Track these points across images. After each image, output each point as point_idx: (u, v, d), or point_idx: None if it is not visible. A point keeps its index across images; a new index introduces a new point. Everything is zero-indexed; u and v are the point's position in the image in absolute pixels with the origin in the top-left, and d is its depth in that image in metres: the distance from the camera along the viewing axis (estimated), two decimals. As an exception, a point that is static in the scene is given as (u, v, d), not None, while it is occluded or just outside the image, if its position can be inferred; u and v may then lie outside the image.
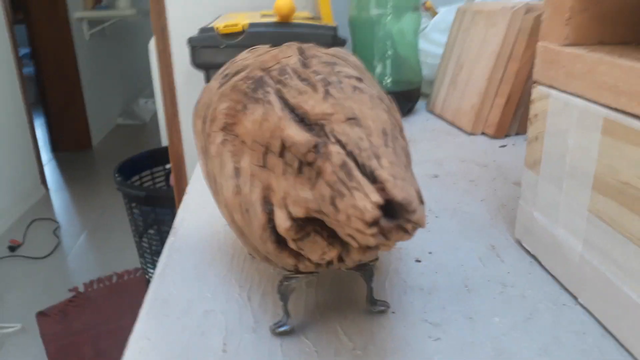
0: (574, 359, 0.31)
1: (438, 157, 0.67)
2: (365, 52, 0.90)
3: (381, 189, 0.21)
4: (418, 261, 0.42)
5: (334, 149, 0.23)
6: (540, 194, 0.40)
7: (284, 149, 0.26)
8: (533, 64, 0.41)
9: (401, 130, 0.30)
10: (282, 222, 0.26)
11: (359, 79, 0.29)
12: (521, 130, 0.76)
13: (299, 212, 0.25)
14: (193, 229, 0.48)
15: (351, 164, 0.22)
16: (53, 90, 3.72)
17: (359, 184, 0.21)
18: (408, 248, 0.44)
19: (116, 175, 1.72)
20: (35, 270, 2.35)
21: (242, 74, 0.33)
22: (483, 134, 0.77)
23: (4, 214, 2.70)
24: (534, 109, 0.41)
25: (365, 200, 0.21)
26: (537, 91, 0.40)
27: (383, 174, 0.21)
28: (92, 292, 2.15)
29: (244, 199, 0.30)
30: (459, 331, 0.34)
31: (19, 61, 3.00)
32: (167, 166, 1.84)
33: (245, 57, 0.36)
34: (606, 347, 0.32)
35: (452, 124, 0.83)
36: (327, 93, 0.27)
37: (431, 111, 0.92)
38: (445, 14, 0.98)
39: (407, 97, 0.90)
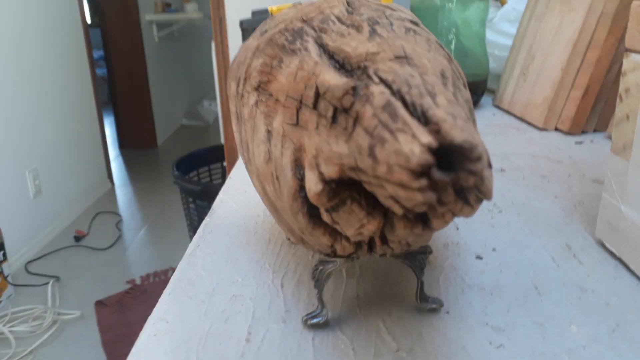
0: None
1: (505, 151, 0.60)
2: (427, 42, 0.84)
3: (436, 130, 0.16)
4: (479, 258, 0.36)
5: (377, 89, 0.18)
6: (631, 184, 0.34)
7: (318, 98, 0.22)
8: (616, 52, 0.35)
9: (465, 84, 0.25)
10: (312, 185, 0.21)
11: (415, 22, 0.25)
12: (600, 127, 0.68)
13: (332, 172, 0.20)
14: (231, 211, 0.45)
15: (397, 103, 0.17)
16: (123, 91, 3.90)
17: (405, 125, 0.17)
18: (468, 243, 0.38)
19: (174, 170, 1.75)
20: (97, 261, 2.44)
21: (280, 26, 0.29)
22: (556, 129, 0.69)
23: (72, 206, 2.84)
24: (624, 82, 0.34)
25: (413, 143, 0.16)
26: (630, 61, 0.34)
27: (439, 112, 0.17)
28: (148, 285, 2.20)
29: (274, 164, 0.26)
30: (526, 339, 0.28)
31: (93, 63, 3.16)
32: (225, 163, 1.85)
33: (287, 12, 0.32)
34: None
35: (521, 119, 0.76)
36: (373, 32, 0.22)
37: (498, 106, 0.85)
38: (515, 3, 0.91)
39: (472, 89, 0.83)
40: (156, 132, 4.09)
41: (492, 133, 0.69)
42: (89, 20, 3.37)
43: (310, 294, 0.32)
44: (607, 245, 0.37)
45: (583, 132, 0.68)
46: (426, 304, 0.30)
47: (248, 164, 0.31)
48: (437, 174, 0.16)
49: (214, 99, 3.89)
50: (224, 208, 0.46)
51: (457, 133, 0.16)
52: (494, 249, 0.37)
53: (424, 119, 0.17)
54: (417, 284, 0.31)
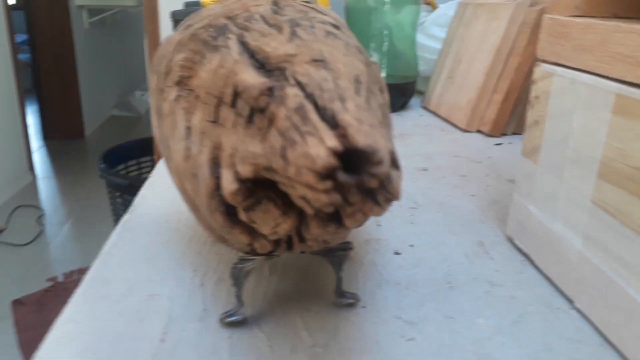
0: (568, 370, 0.26)
1: (429, 152, 0.63)
2: (361, 41, 0.86)
3: (342, 135, 0.17)
4: (397, 253, 0.38)
5: (291, 91, 0.19)
6: (538, 185, 0.36)
7: (236, 96, 0.22)
8: (535, 59, 0.37)
9: (382, 89, 0.25)
10: (228, 184, 0.21)
11: (336, 26, 0.25)
12: (519, 130, 0.72)
13: (246, 171, 0.20)
14: (153, 208, 0.44)
15: (309, 107, 0.18)
16: (48, 78, 3.66)
17: (314, 128, 0.17)
18: (388, 239, 0.40)
19: (101, 162, 1.67)
20: (16, 257, 2.28)
21: (205, 22, 0.28)
22: (478, 131, 0.73)
23: (-12, 199, 2.64)
24: (535, 89, 0.37)
25: (319, 147, 0.16)
26: (540, 70, 0.36)
27: (346, 117, 0.17)
28: (71, 283, 2.09)
29: (193, 162, 0.26)
30: (436, 331, 0.29)
31: (14, 46, 2.94)
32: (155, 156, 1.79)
33: (213, 7, 0.31)
34: (605, 357, 0.27)
35: (446, 120, 0.79)
36: (293, 34, 0.22)
37: (425, 107, 0.88)
38: (446, 9, 0.94)
39: (402, 91, 0.86)
40: (84, 122, 3.87)
41: (418, 133, 0.71)
42: (12, 1, 3.14)
43: (230, 292, 0.32)
44: (516, 242, 0.39)
45: (503, 134, 0.72)
46: (343, 300, 0.31)
47: (168, 160, 0.30)
48: (342, 177, 0.17)
49: (147, 89, 3.75)
50: (146, 205, 0.44)
51: (361, 138, 0.16)
52: (411, 245, 0.39)
53: (333, 123, 0.17)
54: (336, 280, 0.31)
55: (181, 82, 0.28)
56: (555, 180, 0.34)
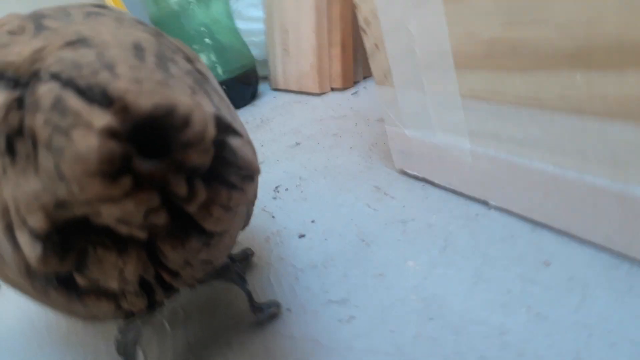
0: (517, 273, 0.24)
1: (295, 126, 0.59)
2: (182, 50, 0.80)
3: (122, 108, 0.12)
4: (302, 236, 0.34)
5: (44, 88, 0.13)
6: (404, 107, 0.34)
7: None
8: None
9: (191, 59, 0.21)
10: (30, 251, 0.15)
11: (100, 6, 0.20)
12: (367, 73, 0.72)
13: (40, 222, 0.14)
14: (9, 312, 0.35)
15: (67, 94, 0.12)
16: None
17: (77, 117, 0.12)
18: (287, 226, 0.35)
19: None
20: None
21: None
22: (332, 89, 0.71)
23: None
24: (361, 14, 0.34)
25: (87, 136, 0.11)
26: (356, -7, 0.34)
27: (119, 84, 0.12)
28: None
29: None
30: (372, 298, 0.26)
31: None
32: None
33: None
34: (542, 240, 0.26)
35: (299, 92, 0.77)
36: (39, 28, 0.17)
37: (276, 88, 0.84)
38: (253, -12, 0.91)
39: (245, 81, 0.82)
40: None
41: (278, 114, 0.68)
42: None
43: (131, 368, 0.26)
44: (408, 171, 0.37)
45: (355, 83, 0.71)
46: (262, 314, 0.26)
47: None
48: (141, 165, 0.12)
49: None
50: (-2, 317, 0.36)
51: (144, 99, 0.12)
52: (313, 221, 0.35)
53: (106, 99, 0.12)
54: (246, 298, 0.26)
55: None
56: (418, 93, 0.32)
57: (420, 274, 0.26)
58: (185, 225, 0.16)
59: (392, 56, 0.33)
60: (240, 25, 0.88)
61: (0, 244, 0.18)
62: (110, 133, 0.11)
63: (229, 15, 0.84)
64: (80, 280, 0.17)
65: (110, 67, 0.13)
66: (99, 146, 0.11)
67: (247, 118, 0.71)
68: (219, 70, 0.80)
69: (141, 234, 0.15)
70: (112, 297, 0.19)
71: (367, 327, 0.24)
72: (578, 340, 0.20)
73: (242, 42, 0.84)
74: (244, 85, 0.81)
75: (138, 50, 0.15)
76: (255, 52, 0.90)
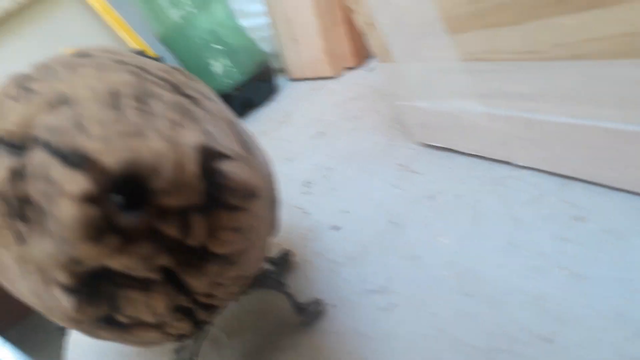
0: (549, 233, 0.24)
1: (315, 116, 0.59)
2: (195, 59, 0.81)
3: (96, 168, 0.13)
4: (336, 228, 0.34)
5: (36, 157, 0.14)
6: (409, 80, 0.33)
7: (10, 206, 0.17)
8: None
9: (178, 86, 0.21)
10: (67, 305, 0.16)
11: (83, 55, 0.20)
12: (380, 44, 0.70)
13: (66, 279, 0.16)
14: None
15: (52, 162, 0.13)
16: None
17: (59, 187, 0.13)
18: (321, 221, 0.36)
19: None
20: None
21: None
22: (347, 69, 0.70)
23: None
24: (349, -3, 0.34)
25: (68, 204, 0.12)
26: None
27: (90, 144, 0.13)
28: None
29: (40, 298, 0.21)
30: (410, 281, 0.26)
31: None
32: None
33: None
34: (572, 195, 0.25)
35: (316, 78, 0.76)
36: (27, 92, 0.18)
37: (293, 79, 0.84)
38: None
39: (262, 78, 0.82)
40: None
41: (299, 105, 0.68)
42: None
43: (195, 386, 0.27)
44: (429, 142, 0.36)
45: (368, 58, 0.70)
46: (307, 315, 0.27)
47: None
48: (124, 220, 0.12)
49: None
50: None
51: (112, 157, 0.12)
52: (344, 212, 0.35)
53: (83, 161, 0.13)
54: (289, 301, 0.27)
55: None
56: (419, 64, 0.31)
57: (453, 249, 0.26)
58: (200, 253, 0.17)
59: (387, 33, 0.32)
60: (245, 23, 0.89)
61: (45, 298, 0.19)
62: (85, 197, 0.12)
63: (232, 16, 0.84)
64: (120, 318, 0.18)
65: (82, 128, 0.13)
66: (76, 212, 0.12)
67: (270, 115, 0.72)
68: (236, 73, 0.81)
69: (154, 275, 0.15)
70: (156, 326, 0.21)
71: (408, 313, 0.24)
72: (618, 296, 0.19)
73: (250, 40, 0.84)
74: (262, 82, 0.81)
75: (114, 98, 0.15)
76: (266, 47, 0.90)
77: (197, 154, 0.15)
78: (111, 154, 0.12)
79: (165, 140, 0.14)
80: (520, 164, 0.29)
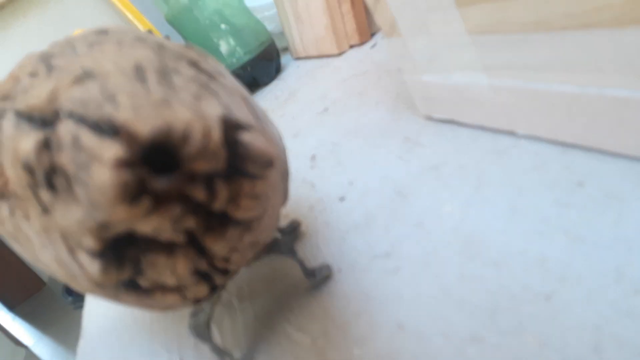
0: (552, 199, 0.25)
1: (320, 93, 0.60)
2: (201, 39, 0.81)
3: (128, 135, 0.13)
4: (342, 199, 0.35)
5: (63, 128, 0.15)
6: (416, 54, 0.34)
7: (32, 173, 0.18)
8: None
9: (195, 62, 0.22)
10: (91, 269, 0.17)
11: (103, 32, 0.21)
12: (384, 22, 0.70)
13: (93, 243, 0.16)
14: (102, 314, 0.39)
15: (81, 131, 0.14)
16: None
17: (92, 153, 0.13)
18: (328, 192, 0.37)
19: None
20: None
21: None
22: (351, 47, 0.71)
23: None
24: (356, -29, 0.34)
25: (102, 169, 0.13)
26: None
27: (121, 114, 0.14)
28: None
29: (66, 266, 0.22)
30: (415, 246, 0.27)
31: None
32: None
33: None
34: (574, 162, 0.26)
35: (320, 56, 0.76)
36: (49, 68, 0.19)
37: (298, 58, 0.85)
38: (255, -39, 0.91)
39: (267, 57, 0.82)
40: (26, 279, 3.64)
41: (304, 83, 0.68)
42: None
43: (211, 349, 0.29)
44: (434, 115, 0.37)
45: (372, 35, 0.70)
46: (315, 278, 0.28)
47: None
48: (156, 183, 0.13)
49: None
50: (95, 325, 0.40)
51: (142, 125, 0.13)
52: (350, 183, 0.36)
53: (113, 129, 0.14)
54: (299, 266, 0.28)
55: (2, 194, 0.24)
56: (426, 38, 0.31)
57: (457, 217, 0.27)
58: (221, 218, 0.18)
59: (394, 5, 0.32)
60: (249, 3, 0.89)
61: (69, 265, 0.20)
62: (120, 163, 0.13)
63: (237, -5, 0.84)
64: (142, 282, 0.19)
65: (112, 99, 0.14)
66: (112, 177, 0.13)
67: (276, 93, 0.72)
68: (240, 52, 0.81)
69: (179, 238, 0.16)
70: (176, 289, 0.22)
71: (413, 275, 0.25)
72: (617, 256, 0.20)
73: (255, 20, 0.84)
74: (267, 61, 0.82)
75: (139, 71, 0.16)
76: (271, 26, 0.90)
77: (220, 123, 0.15)
78: (143, 123, 0.13)
79: (190, 110, 0.14)
80: (523, 133, 0.29)
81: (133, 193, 0.13)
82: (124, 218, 0.14)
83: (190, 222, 0.16)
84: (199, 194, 0.15)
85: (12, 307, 3.48)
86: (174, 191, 0.14)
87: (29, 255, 0.27)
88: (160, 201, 0.14)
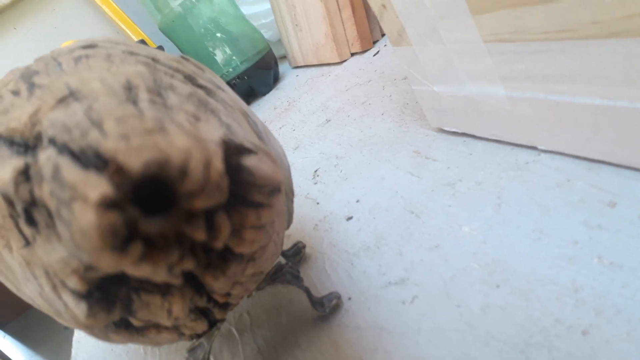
0: (581, 221, 0.23)
1: (321, 102, 0.58)
2: (196, 48, 0.79)
3: (117, 168, 0.11)
4: (350, 218, 0.33)
5: (43, 156, 0.13)
6: (426, 64, 0.32)
7: (12, 205, 0.16)
8: None
9: (191, 76, 0.20)
10: (76, 310, 0.15)
11: (89, 46, 0.19)
12: (385, 29, 0.69)
13: (77, 284, 0.14)
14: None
15: (64, 162, 0.12)
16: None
17: (74, 189, 0.11)
18: (333, 211, 0.35)
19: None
20: None
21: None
22: (352, 55, 0.69)
23: None
24: (361, -23, 0.32)
25: (86, 211, 0.11)
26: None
27: (108, 143, 0.12)
28: None
29: (47, 301, 0.20)
30: (430, 272, 0.25)
31: None
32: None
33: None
34: (602, 179, 0.24)
35: (320, 64, 0.75)
36: (31, 87, 0.17)
37: (297, 66, 0.83)
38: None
39: (264, 66, 0.80)
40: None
41: (304, 92, 0.67)
42: None
43: (210, 383, 0.26)
44: (446, 128, 0.35)
45: (375, 42, 0.68)
46: (323, 308, 0.26)
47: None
48: (149, 226, 0.11)
49: None
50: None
51: (134, 158, 0.11)
52: (357, 201, 0.34)
53: (100, 161, 0.12)
54: (306, 294, 0.26)
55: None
56: (438, 47, 0.30)
57: (478, 239, 0.25)
58: (223, 254, 0.16)
59: (403, 13, 0.31)
60: (246, 11, 0.87)
61: (54, 302, 0.18)
62: (106, 202, 0.11)
63: (233, 4, 0.83)
64: (134, 322, 0.17)
65: (98, 124, 0.12)
66: (97, 219, 0.11)
67: (275, 103, 0.70)
68: (237, 61, 0.79)
69: (175, 281, 0.14)
70: (172, 328, 0.20)
71: (432, 306, 0.23)
72: (661, 284, 0.18)
73: (252, 28, 0.83)
74: (264, 70, 0.80)
75: (129, 90, 0.14)
76: (268, 34, 0.89)
77: (221, 149, 0.13)
78: (133, 154, 0.11)
79: (188, 136, 0.12)
80: (544, 148, 0.27)
81: (121, 238, 0.11)
82: (110, 265, 0.12)
83: (189, 265, 0.14)
84: (198, 234, 0.13)
85: (2, 325, 3.43)
86: (169, 233, 0.12)
87: (12, 286, 0.25)
88: (153, 246, 0.12)
